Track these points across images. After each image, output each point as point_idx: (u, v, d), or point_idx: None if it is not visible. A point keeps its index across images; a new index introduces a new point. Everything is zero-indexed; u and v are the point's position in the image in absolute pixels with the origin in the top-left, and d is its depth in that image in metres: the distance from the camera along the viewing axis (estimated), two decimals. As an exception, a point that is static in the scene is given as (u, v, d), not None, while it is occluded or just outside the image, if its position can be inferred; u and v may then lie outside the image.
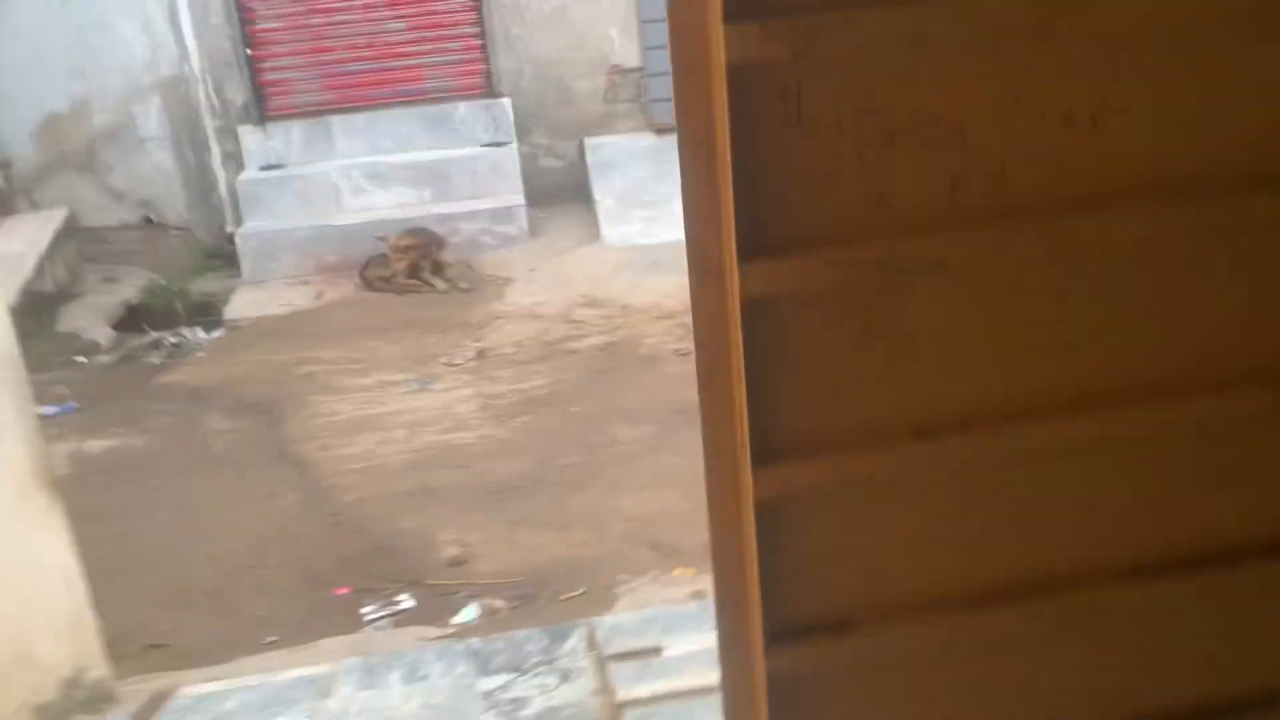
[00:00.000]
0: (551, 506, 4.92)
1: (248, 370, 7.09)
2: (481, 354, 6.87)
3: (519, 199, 8.85)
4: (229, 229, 9.19)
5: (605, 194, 8.67)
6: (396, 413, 6.22)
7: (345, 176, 8.90)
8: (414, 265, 8.11)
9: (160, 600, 4.57)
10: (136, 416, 6.59)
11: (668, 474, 5.05)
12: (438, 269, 8.21)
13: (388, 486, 5.35)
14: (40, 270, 8.60)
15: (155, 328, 8.15)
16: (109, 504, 5.51)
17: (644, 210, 8.40)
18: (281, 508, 5.30)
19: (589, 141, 9.35)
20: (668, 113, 9.05)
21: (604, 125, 9.43)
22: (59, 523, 3.26)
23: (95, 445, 6.26)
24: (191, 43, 8.97)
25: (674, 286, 7.14)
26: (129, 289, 8.90)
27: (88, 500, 5.48)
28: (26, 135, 9.11)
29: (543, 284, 7.87)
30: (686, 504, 4.69)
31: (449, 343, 7.12)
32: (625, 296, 7.34)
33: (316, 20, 9.06)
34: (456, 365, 6.75)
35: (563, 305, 7.38)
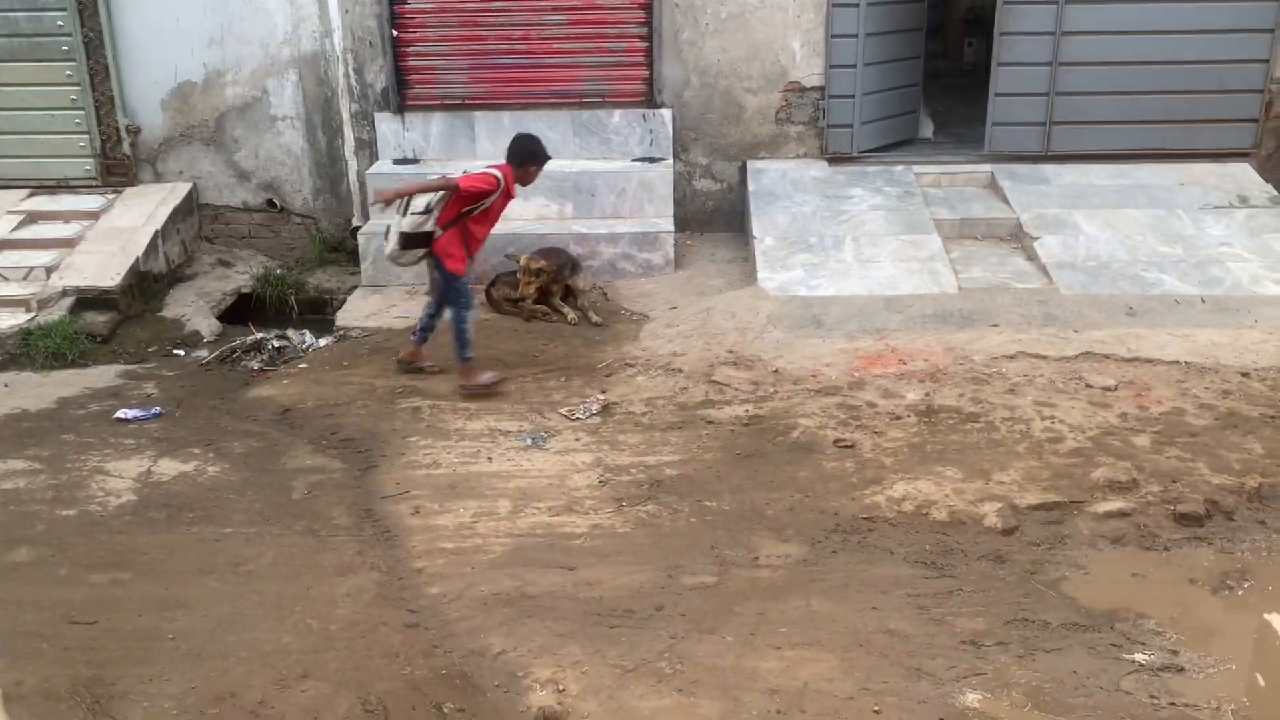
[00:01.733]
0: (672, 650, 4.00)
1: (349, 394, 6.49)
2: (607, 409, 6.12)
3: (667, 224, 8.15)
4: (355, 222, 8.73)
5: (765, 229, 7.83)
6: (503, 474, 5.47)
7: None
8: (544, 290, 7.44)
9: (188, 707, 3.79)
10: (220, 435, 6.07)
11: (822, 626, 4.09)
12: (569, 294, 7.55)
13: (480, 582, 4.56)
14: (153, 247, 8.20)
15: (263, 324, 7.77)
16: (163, 553, 4.90)
17: (808, 254, 7.54)
18: (355, 590, 4.54)
19: (753, 165, 8.59)
20: (847, 141, 8.06)
21: (772, 148, 8.65)
22: None
23: (168, 468, 5.70)
24: (336, 17, 8.39)
25: (837, 353, 6.43)
26: (242, 276, 8.57)
27: (141, 543, 4.94)
28: (157, 103, 8.69)
29: (683, 329, 7.08)
30: (846, 681, 3.72)
31: (572, 390, 6.40)
32: (777, 358, 6.49)
33: (471, 5, 8.37)
34: (577, 420, 6.02)
35: (704, 359, 6.58)
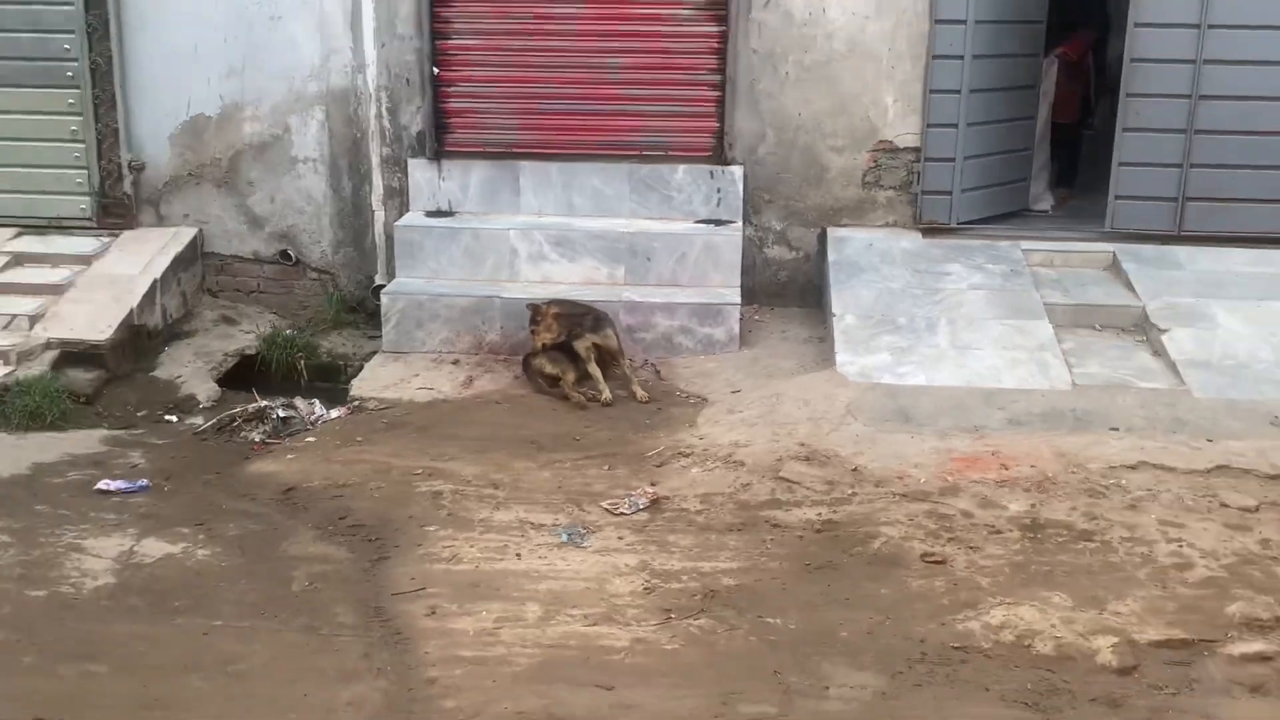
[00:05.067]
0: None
1: (361, 473, 6.58)
2: (656, 504, 6.15)
3: (733, 295, 8.27)
4: (378, 280, 8.94)
5: (847, 305, 7.90)
6: (534, 574, 5.50)
7: (526, 238, 8.53)
8: (570, 351, 7.61)
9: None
10: (213, 514, 6.16)
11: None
12: (606, 362, 7.65)
13: (502, 698, 4.55)
14: (150, 299, 8.43)
15: (267, 390, 7.90)
16: (143, 645, 4.94)
17: (895, 336, 7.59)
18: (358, 699, 4.57)
19: (834, 233, 8.69)
20: (945, 210, 8.16)
21: (856, 215, 8.76)
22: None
23: (153, 548, 5.79)
24: (370, 50, 8.68)
25: (927, 453, 6.43)
26: (248, 335, 8.76)
27: (119, 633, 5.04)
28: (165, 137, 9.00)
29: (748, 415, 7.11)
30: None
31: (616, 480, 6.44)
32: (858, 455, 6.49)
33: (520, 43, 8.65)
34: (621, 515, 6.06)
35: (771, 452, 6.60)
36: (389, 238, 8.78)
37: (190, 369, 8.19)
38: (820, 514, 5.94)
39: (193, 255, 8.97)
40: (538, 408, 7.41)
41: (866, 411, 6.85)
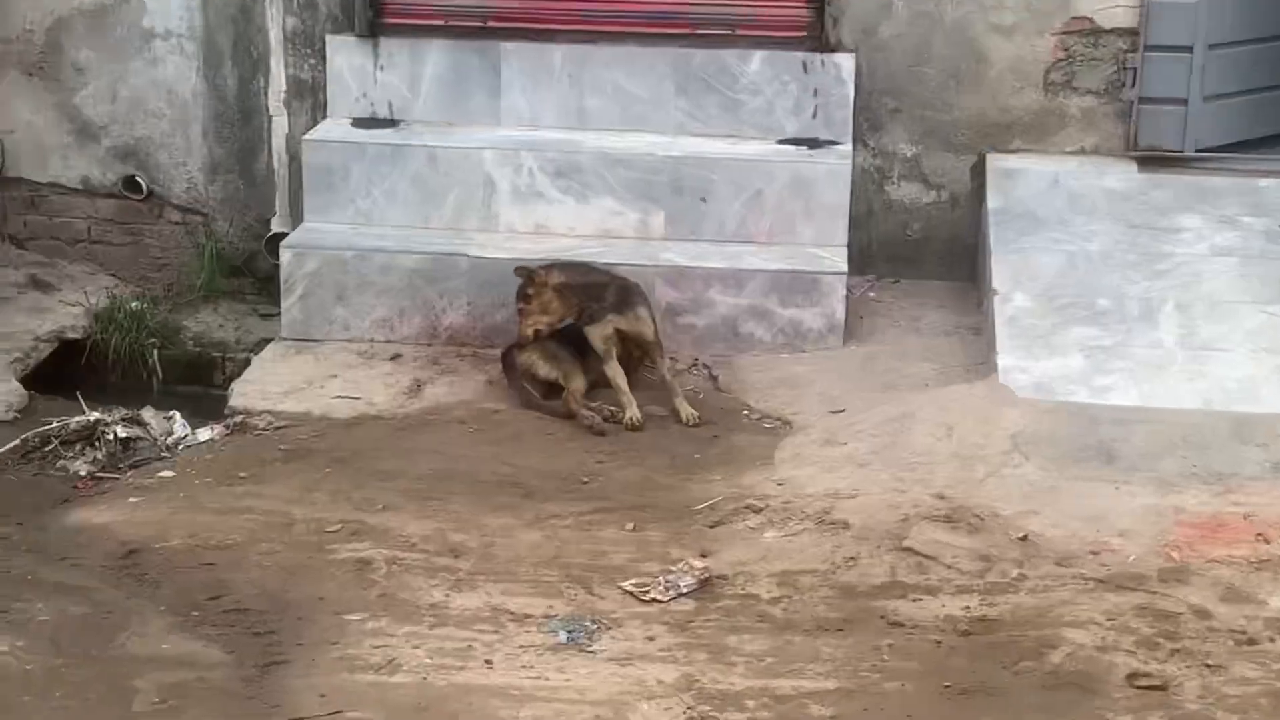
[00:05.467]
0: None
1: (245, 529, 6.61)
2: (708, 586, 6.16)
3: (836, 258, 8.33)
4: (275, 226, 8.99)
5: (1015, 279, 7.94)
6: (513, 693, 5.46)
7: (510, 162, 8.60)
8: (579, 314, 7.67)
9: None
10: (14, 589, 6.15)
11: None
12: (634, 360, 7.77)
13: None
14: (-82, 253, 8.54)
15: (100, 396, 7.95)
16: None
17: (1092, 329, 7.61)
18: None
19: (998, 164, 8.74)
20: (1175, 130, 8.31)
21: (1034, 135, 8.81)
22: None
23: None
24: None
25: (1141, 514, 6.52)
26: (72, 308, 8.83)
27: None
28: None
29: (856, 450, 7.16)
30: None
31: (645, 546, 6.48)
32: (1029, 515, 6.51)
33: None
34: (653, 602, 6.06)
35: (892, 508, 6.61)
36: (294, 159, 8.84)
37: (-19, 361, 8.27)
38: (969, 607, 5.93)
39: (-13, 181, 9.10)
40: (524, 431, 7.46)
41: (1044, 446, 6.86)
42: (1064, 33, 8.61)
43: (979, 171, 8.72)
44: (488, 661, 5.60)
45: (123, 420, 7.48)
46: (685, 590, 6.08)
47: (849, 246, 8.35)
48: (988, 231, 8.28)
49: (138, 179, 9.15)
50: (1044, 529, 6.35)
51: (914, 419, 7.20)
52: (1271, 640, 5.62)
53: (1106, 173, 8.61)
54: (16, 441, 7.39)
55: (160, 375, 8.53)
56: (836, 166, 8.42)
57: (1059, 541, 6.28)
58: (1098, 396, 7.11)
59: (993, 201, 8.41)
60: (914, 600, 5.97)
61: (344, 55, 8.87)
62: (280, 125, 9.00)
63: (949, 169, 8.82)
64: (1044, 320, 7.61)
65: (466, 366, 8.07)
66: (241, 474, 7.07)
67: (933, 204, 8.88)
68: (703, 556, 6.30)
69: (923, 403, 7.34)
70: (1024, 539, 6.30)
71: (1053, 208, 8.34)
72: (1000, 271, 7.92)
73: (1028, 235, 8.15)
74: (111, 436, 7.36)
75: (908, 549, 6.29)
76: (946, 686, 5.45)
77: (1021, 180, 8.54)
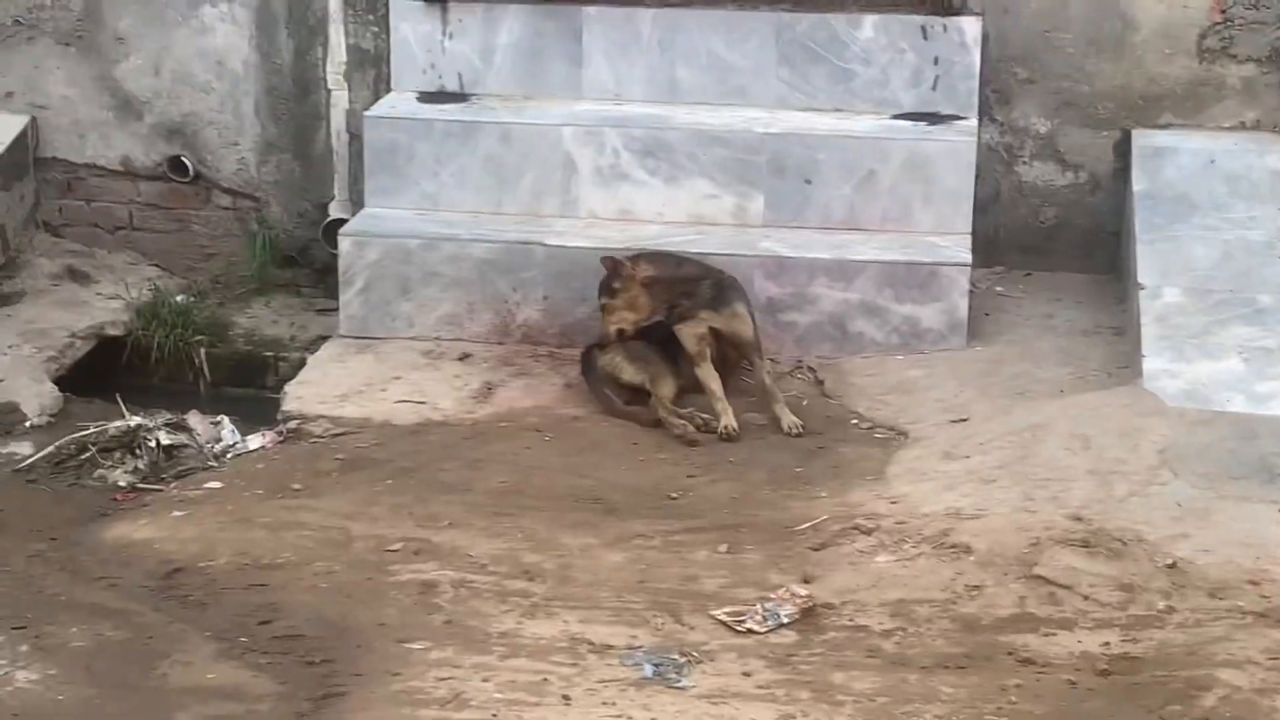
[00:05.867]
0: None
1: (299, 547, 6.44)
2: (811, 616, 5.92)
3: (959, 249, 8.19)
4: (334, 212, 8.87)
5: (1165, 271, 7.78)
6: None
7: (592, 140, 8.48)
8: (669, 311, 7.55)
9: None
10: (45, 610, 6.02)
11: None
12: (731, 362, 7.65)
13: None
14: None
15: (142, 400, 7.83)
16: None
17: (1253, 329, 7.47)
18: None
19: (1145, 141, 8.50)
20: None
21: (1187, 109, 8.61)
22: None
23: None
24: None
25: None
26: (111, 303, 8.73)
27: None
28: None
29: (980, 464, 6.99)
30: None
31: (741, 571, 6.29)
32: (1178, 539, 6.26)
33: None
34: (745, 631, 5.85)
35: (1022, 531, 6.40)
36: (354, 138, 8.71)
37: (11, 359, 8.12)
38: (1108, 643, 5.67)
39: (19, 162, 8.93)
40: (606, 440, 7.39)
41: (1196, 462, 6.71)
42: (1227, -8, 8.50)
43: (1123, 150, 8.50)
44: (565, 697, 5.44)
45: (166, 426, 7.38)
46: (785, 620, 5.89)
47: (973, 235, 8.11)
48: (1133, 218, 8.05)
49: (183, 159, 9.00)
50: (1195, 555, 6.11)
51: (1046, 430, 7.05)
52: None
53: (1269, 151, 8.34)
54: (50, 448, 7.32)
55: (207, 376, 8.42)
56: (959, 144, 8.21)
57: (1212, 570, 6.05)
58: (1258, 406, 6.95)
59: (1138, 184, 8.18)
60: (1045, 635, 5.77)
61: (410, 22, 8.72)
62: (339, 100, 8.85)
63: (1088, 147, 8.59)
64: (1197, 318, 7.41)
65: (542, 368, 7.97)
66: (295, 486, 6.97)
67: (1069, 186, 8.65)
68: (805, 583, 6.11)
69: (1056, 412, 7.22)
70: (1172, 566, 6.06)
71: (1208, 191, 8.11)
72: (1147, 263, 7.71)
73: (1179, 222, 7.93)
74: (153, 444, 7.28)
75: (1038, 577, 6.07)
76: (1082, 735, 5.30)
77: (1172, 160, 8.30)
